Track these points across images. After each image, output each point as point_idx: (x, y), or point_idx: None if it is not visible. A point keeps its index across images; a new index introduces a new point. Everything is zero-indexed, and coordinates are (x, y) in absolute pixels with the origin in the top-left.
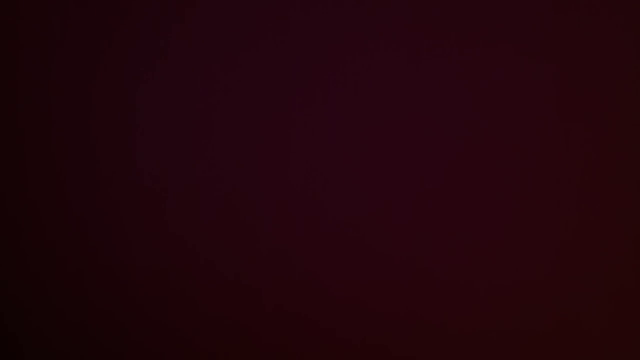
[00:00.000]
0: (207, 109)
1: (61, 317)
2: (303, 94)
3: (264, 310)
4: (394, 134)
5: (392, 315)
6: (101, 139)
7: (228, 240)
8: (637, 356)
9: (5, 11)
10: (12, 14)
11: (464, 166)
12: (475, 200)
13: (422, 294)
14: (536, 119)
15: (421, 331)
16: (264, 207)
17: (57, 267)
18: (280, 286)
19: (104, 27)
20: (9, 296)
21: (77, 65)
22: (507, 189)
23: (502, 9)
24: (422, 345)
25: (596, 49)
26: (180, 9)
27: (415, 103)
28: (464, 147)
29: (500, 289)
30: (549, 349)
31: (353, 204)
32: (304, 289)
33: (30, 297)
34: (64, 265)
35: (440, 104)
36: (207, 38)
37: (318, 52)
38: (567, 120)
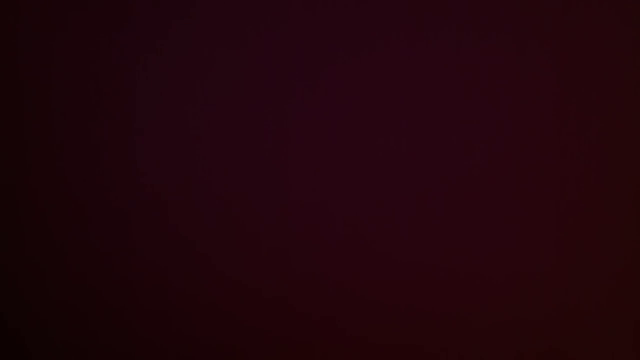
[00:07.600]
0: (208, 108)
1: (62, 315)
2: (303, 92)
3: (265, 309)
4: (393, 131)
5: (396, 311)
6: (103, 137)
7: (229, 238)
8: (635, 351)
9: (5, 10)
10: (12, 13)
11: (463, 165)
12: (474, 199)
13: (423, 290)
14: (535, 117)
15: (421, 328)
16: (265, 205)
17: (59, 264)
18: (281, 285)
19: (104, 26)
20: (11, 294)
21: (77, 63)
22: (505, 187)
23: (501, 7)
24: (422, 341)
25: (596, 48)
26: (181, 9)
27: (415, 103)
28: (463, 146)
29: (500, 286)
30: (548, 343)
31: (353, 202)
32: (304, 288)
33: (32, 294)
34: (66, 262)
35: (439, 103)
36: (207, 38)
37: (318, 51)
38: (566, 119)
